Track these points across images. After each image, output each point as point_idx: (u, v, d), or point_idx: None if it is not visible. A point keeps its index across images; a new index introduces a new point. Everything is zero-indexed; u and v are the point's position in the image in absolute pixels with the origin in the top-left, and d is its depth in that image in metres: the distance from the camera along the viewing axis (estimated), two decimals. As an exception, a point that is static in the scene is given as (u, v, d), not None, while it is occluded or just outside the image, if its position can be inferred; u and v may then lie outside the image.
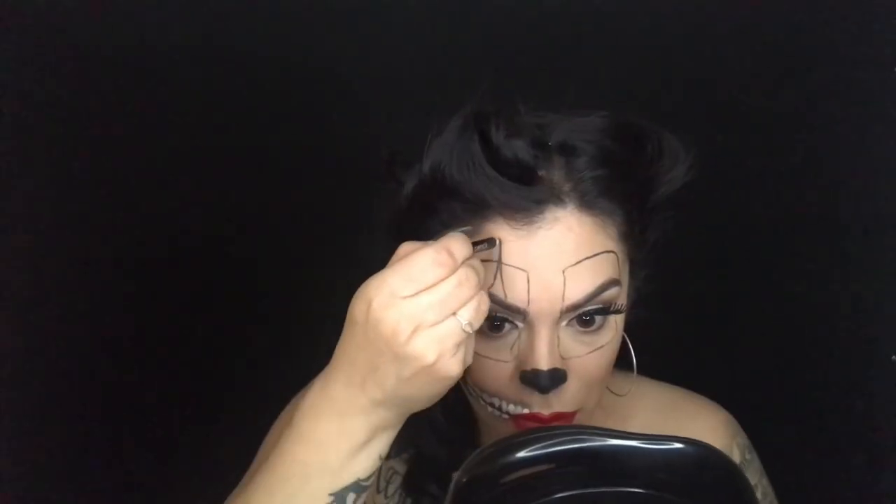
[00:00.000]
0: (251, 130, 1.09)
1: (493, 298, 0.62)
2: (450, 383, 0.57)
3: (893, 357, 1.01)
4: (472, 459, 0.54)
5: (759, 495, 0.77)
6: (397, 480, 0.75)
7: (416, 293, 0.54)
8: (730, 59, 1.06)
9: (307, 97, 1.07)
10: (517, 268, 0.62)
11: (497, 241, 0.62)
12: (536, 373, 0.62)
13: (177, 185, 1.08)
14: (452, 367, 0.55)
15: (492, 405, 0.67)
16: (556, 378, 0.62)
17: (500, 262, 0.62)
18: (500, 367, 0.64)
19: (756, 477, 0.79)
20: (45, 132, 1.00)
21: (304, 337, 1.06)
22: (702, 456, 0.53)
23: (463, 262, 0.56)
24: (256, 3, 1.05)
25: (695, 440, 0.53)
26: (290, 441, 0.60)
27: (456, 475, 0.53)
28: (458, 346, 0.55)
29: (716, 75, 1.06)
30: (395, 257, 0.57)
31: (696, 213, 0.77)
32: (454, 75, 0.83)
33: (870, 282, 1.05)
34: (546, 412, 0.64)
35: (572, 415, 0.66)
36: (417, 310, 0.54)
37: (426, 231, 0.66)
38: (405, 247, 0.58)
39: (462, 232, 0.59)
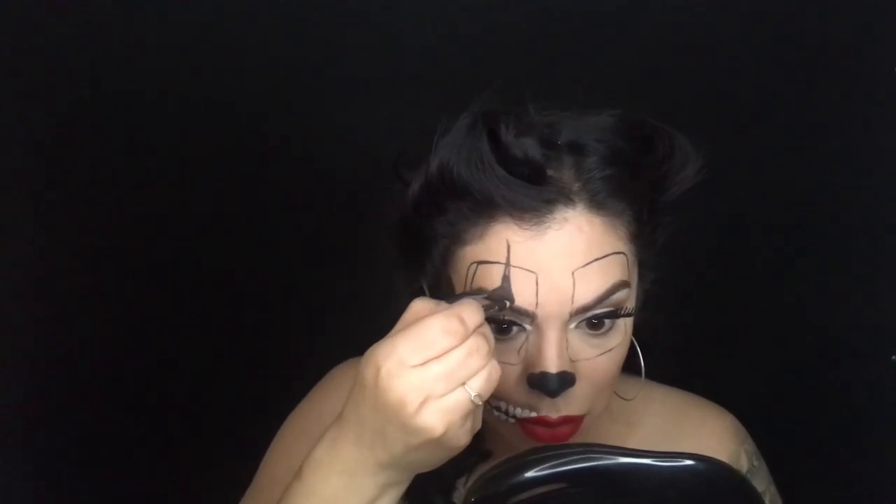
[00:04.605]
0: (253, 130, 1.08)
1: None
2: (458, 451, 0.57)
3: (893, 357, 1.02)
4: (479, 479, 0.53)
5: (767, 502, 0.76)
6: None
7: (425, 362, 0.53)
8: (730, 60, 1.06)
9: (308, 97, 1.07)
10: (526, 269, 0.60)
11: (507, 304, 0.61)
12: (544, 375, 0.61)
13: (177, 186, 1.07)
14: (461, 438, 0.55)
15: (498, 409, 0.65)
16: (564, 381, 0.61)
17: (508, 263, 0.61)
18: (507, 370, 0.63)
19: (764, 484, 0.78)
20: (45, 132, 0.99)
21: (305, 340, 1.06)
22: (711, 472, 0.53)
23: (474, 331, 0.55)
24: (257, 3, 1.04)
25: (704, 456, 0.53)
26: (299, 495, 0.59)
27: (463, 496, 0.52)
28: (467, 416, 0.55)
29: (716, 76, 1.06)
30: (405, 317, 0.56)
31: (700, 214, 0.76)
32: (460, 74, 0.82)
33: (870, 282, 1.05)
34: (554, 415, 0.63)
35: (580, 418, 0.65)
36: (426, 381, 0.53)
37: (432, 231, 0.65)
38: (417, 305, 0.57)
39: (475, 298, 0.58)
